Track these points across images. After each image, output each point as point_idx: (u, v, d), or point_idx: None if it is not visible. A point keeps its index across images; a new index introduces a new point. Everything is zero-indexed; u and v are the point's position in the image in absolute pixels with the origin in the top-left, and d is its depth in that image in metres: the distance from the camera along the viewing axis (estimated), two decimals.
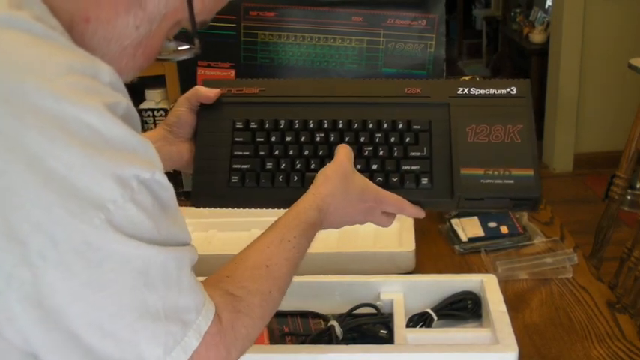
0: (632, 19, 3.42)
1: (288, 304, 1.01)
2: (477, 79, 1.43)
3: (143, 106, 1.56)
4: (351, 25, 1.35)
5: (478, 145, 0.84)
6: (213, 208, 0.90)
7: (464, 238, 1.22)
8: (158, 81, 2.09)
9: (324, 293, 1.00)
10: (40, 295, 0.50)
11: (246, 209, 0.89)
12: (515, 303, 1.04)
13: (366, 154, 0.85)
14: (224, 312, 0.61)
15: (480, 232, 1.23)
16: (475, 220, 1.26)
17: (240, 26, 1.37)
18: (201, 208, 1.32)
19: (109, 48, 0.60)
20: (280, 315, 0.98)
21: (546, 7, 4.21)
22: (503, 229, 1.24)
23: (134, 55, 0.62)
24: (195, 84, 1.39)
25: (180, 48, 0.69)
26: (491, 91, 0.88)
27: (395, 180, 0.84)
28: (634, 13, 3.41)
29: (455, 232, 1.24)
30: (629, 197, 2.97)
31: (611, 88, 3.51)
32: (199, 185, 0.87)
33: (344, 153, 0.82)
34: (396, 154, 0.85)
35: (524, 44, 4.17)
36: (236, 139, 0.88)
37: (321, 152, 0.86)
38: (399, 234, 1.20)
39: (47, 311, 0.51)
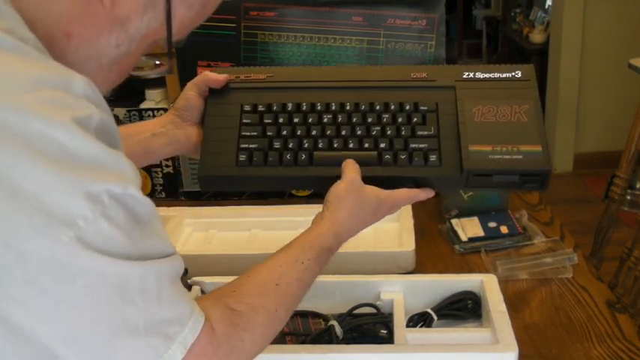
0: (632, 20, 3.42)
1: None
2: None
3: (143, 106, 1.56)
4: (351, 25, 1.35)
5: (485, 123, 0.85)
6: (221, 190, 0.92)
7: (464, 238, 1.22)
8: (158, 81, 2.09)
9: (324, 293, 1.00)
10: (8, 313, 0.50)
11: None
12: (515, 303, 1.04)
13: (374, 133, 0.87)
14: (220, 324, 0.61)
15: (480, 232, 1.23)
16: (475, 220, 1.26)
17: (240, 26, 1.36)
18: (201, 208, 1.33)
19: (89, 64, 0.59)
20: None
21: (546, 7, 4.21)
22: (503, 229, 1.24)
23: (108, 71, 0.62)
24: None
25: (157, 62, 0.69)
26: (497, 74, 0.90)
27: (403, 158, 0.85)
28: (634, 14, 3.41)
29: (455, 232, 1.24)
30: (629, 197, 2.97)
31: (611, 88, 3.51)
32: (207, 167, 0.88)
33: (352, 168, 0.82)
34: (403, 133, 0.86)
35: (524, 44, 4.17)
36: (244, 121, 0.89)
37: (328, 132, 0.87)
38: (399, 234, 1.20)
39: (17, 329, 0.50)
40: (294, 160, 0.86)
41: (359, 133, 0.87)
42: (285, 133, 0.88)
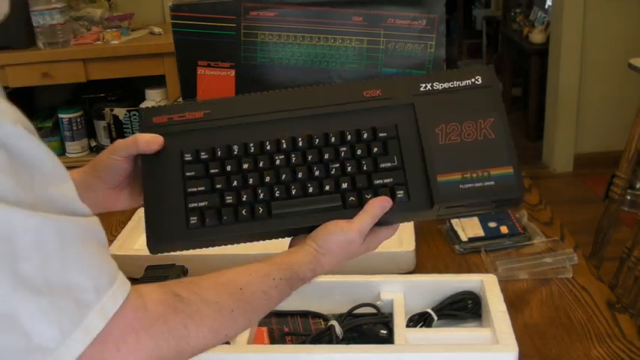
0: (632, 19, 3.42)
1: (288, 304, 1.01)
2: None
3: (143, 105, 1.56)
4: (351, 25, 1.35)
5: (451, 146, 0.80)
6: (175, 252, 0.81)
7: (464, 238, 1.22)
8: (158, 81, 2.09)
9: (324, 293, 1.00)
10: None
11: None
12: (515, 303, 1.04)
13: (333, 172, 0.79)
14: (158, 306, 0.58)
15: (480, 232, 1.23)
16: (475, 220, 1.26)
17: (240, 26, 1.37)
18: None
19: None
20: (280, 315, 0.98)
21: (546, 7, 4.21)
22: (503, 229, 1.24)
23: None
24: (195, 84, 1.40)
25: None
26: (456, 83, 0.83)
27: (368, 197, 0.78)
28: (634, 13, 3.41)
29: (455, 232, 1.24)
30: (629, 197, 2.97)
31: (611, 88, 3.51)
32: (155, 233, 0.78)
33: (365, 219, 0.77)
34: (365, 168, 0.79)
35: (524, 44, 4.17)
36: (187, 174, 0.79)
37: (284, 177, 0.79)
38: (399, 234, 1.20)
39: None
40: (251, 214, 0.78)
41: (317, 174, 0.79)
42: (236, 184, 0.79)
